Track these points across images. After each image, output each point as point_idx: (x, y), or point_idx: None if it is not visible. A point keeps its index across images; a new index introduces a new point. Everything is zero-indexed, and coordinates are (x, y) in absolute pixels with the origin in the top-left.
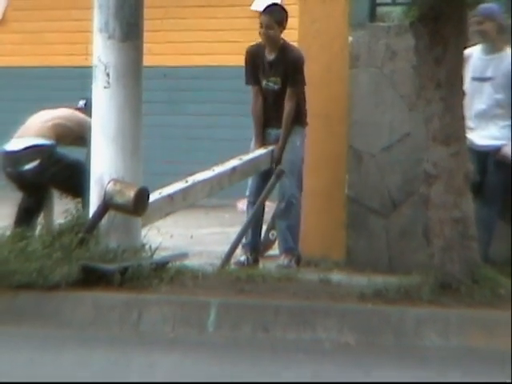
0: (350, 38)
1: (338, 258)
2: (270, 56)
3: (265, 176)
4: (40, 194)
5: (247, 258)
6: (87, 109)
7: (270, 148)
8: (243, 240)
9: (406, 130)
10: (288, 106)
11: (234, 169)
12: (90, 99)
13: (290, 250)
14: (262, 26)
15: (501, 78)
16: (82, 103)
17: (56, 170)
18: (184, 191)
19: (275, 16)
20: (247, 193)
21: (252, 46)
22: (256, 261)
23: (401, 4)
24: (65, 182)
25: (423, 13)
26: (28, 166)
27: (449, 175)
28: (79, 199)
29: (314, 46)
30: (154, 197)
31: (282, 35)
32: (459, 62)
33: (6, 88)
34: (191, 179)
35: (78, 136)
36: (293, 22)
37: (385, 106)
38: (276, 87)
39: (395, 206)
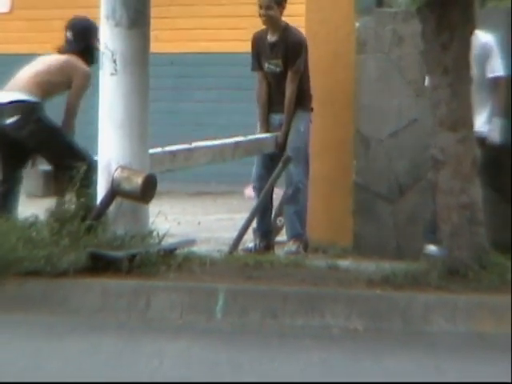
0: (357, 24)
1: (345, 244)
2: (272, 38)
3: (268, 163)
4: (17, 166)
5: (255, 245)
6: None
7: (275, 133)
8: (254, 225)
9: (414, 115)
10: (289, 89)
11: (237, 143)
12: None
13: (297, 235)
14: (261, 7)
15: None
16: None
17: (34, 128)
18: (187, 151)
19: None
20: (252, 180)
21: (257, 31)
22: (268, 247)
23: None
24: (43, 144)
25: None
26: (9, 120)
27: (456, 161)
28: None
29: (320, 32)
30: (155, 150)
31: (287, 20)
32: (466, 47)
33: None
34: (195, 143)
35: (69, 86)
36: (299, 8)
37: (392, 91)
38: (278, 70)
39: (402, 192)
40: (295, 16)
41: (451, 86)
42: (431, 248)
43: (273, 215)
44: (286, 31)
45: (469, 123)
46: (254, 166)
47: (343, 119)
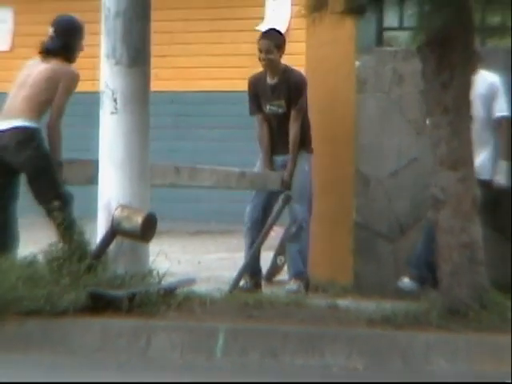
0: (357, 63)
1: (345, 283)
2: (272, 80)
3: (265, 203)
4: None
5: (246, 283)
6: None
7: (280, 172)
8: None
9: (414, 154)
10: (294, 128)
11: (243, 173)
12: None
13: (300, 274)
14: (261, 51)
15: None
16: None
17: (32, 154)
18: (191, 170)
19: (274, 40)
20: (245, 219)
21: (253, 75)
22: (256, 286)
23: (408, 29)
24: (37, 173)
25: (430, 38)
26: (8, 145)
27: (456, 200)
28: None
29: (320, 70)
30: (160, 163)
31: (287, 61)
32: (466, 86)
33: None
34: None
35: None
36: (299, 46)
37: (392, 130)
38: (280, 110)
39: (403, 231)
40: (295, 54)
41: (451, 125)
42: (405, 281)
43: (273, 254)
44: (286, 73)
45: (469, 162)
46: (247, 207)
47: (343, 158)
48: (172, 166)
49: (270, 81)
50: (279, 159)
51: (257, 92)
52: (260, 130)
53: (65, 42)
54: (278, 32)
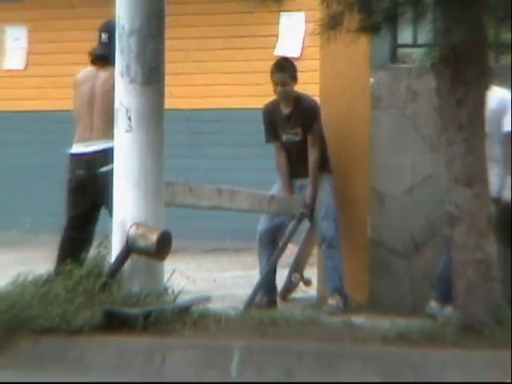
0: (372, 80)
1: (360, 299)
2: (286, 110)
3: (278, 220)
4: (92, 215)
5: (261, 300)
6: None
7: (302, 196)
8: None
9: (429, 171)
10: (314, 153)
11: (272, 197)
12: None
13: (337, 290)
14: (276, 84)
15: None
16: (104, 37)
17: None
18: (232, 192)
19: (288, 71)
20: (258, 236)
21: (267, 104)
22: (271, 303)
23: (422, 45)
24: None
25: (444, 54)
26: (104, 169)
27: (471, 217)
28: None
29: (335, 87)
30: (200, 184)
31: (301, 79)
32: (481, 103)
33: (29, 132)
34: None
35: None
36: (314, 64)
37: (407, 147)
38: (297, 138)
39: (418, 248)
40: (309, 71)
41: (466, 142)
42: (433, 306)
43: (288, 271)
44: (298, 100)
45: (484, 179)
46: (260, 222)
47: (358, 175)
48: (215, 189)
49: (284, 110)
50: (298, 182)
51: (272, 121)
52: (278, 157)
53: None
54: (290, 61)
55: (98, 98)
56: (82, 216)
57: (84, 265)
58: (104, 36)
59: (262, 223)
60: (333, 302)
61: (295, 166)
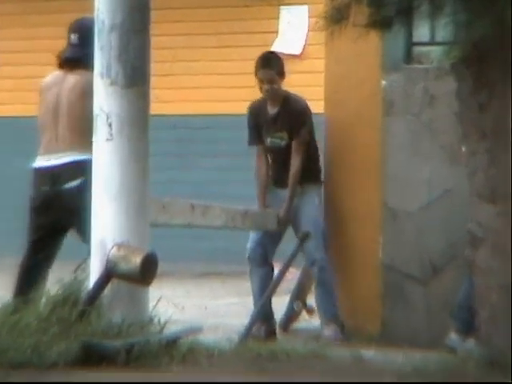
0: (383, 82)
1: (372, 331)
2: (273, 110)
3: (267, 237)
4: (56, 239)
5: (258, 330)
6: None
7: (276, 210)
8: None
9: (448, 185)
10: (296, 162)
11: (246, 212)
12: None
13: (333, 318)
14: (263, 82)
15: None
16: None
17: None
18: (205, 207)
19: (275, 67)
20: (248, 256)
21: (252, 103)
22: (270, 333)
23: (441, 43)
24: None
25: (466, 53)
26: (70, 184)
27: (495, 237)
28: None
29: (341, 90)
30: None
31: (304, 80)
32: (506, 108)
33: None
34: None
35: None
36: (318, 63)
37: (423, 158)
38: (282, 143)
39: (436, 272)
40: (313, 72)
41: (490, 152)
42: (453, 338)
43: (289, 298)
44: (286, 100)
45: (509, 194)
46: (249, 241)
47: (367, 190)
48: (187, 204)
49: (270, 110)
50: (281, 193)
51: (257, 123)
52: (258, 162)
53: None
54: (276, 56)
55: (65, 106)
56: (43, 240)
57: (59, 290)
58: (73, 37)
59: (250, 239)
60: (329, 332)
61: (279, 174)
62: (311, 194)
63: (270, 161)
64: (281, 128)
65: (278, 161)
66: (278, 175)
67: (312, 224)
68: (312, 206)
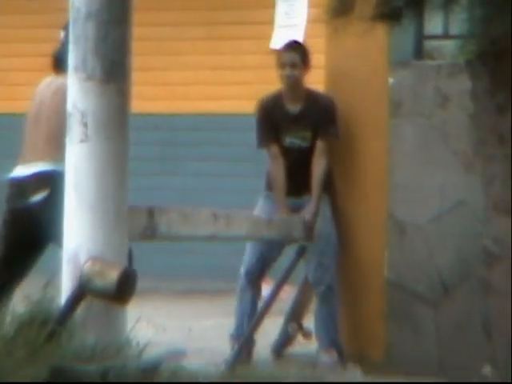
0: (391, 80)
1: (375, 356)
2: (294, 107)
3: (267, 252)
4: (29, 256)
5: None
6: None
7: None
8: (231, 330)
9: (461, 195)
10: (321, 164)
11: (270, 220)
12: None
13: (334, 343)
14: (283, 67)
15: None
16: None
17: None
18: (228, 216)
19: (300, 52)
20: (242, 270)
21: (265, 98)
22: (249, 356)
23: (455, 37)
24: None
25: (483, 48)
26: (35, 198)
27: None
28: None
29: (344, 89)
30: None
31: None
32: None
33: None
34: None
35: None
36: (318, 59)
37: (434, 165)
38: (303, 145)
39: (447, 292)
40: (312, 68)
41: (508, 159)
42: (488, 370)
43: (283, 320)
44: (310, 96)
45: None
46: (245, 254)
47: (372, 200)
48: (209, 213)
49: (290, 107)
50: (290, 202)
51: (273, 121)
52: (274, 165)
53: None
54: (303, 44)
55: (46, 111)
56: (15, 257)
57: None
58: (62, 34)
59: (248, 252)
60: (327, 358)
61: (292, 179)
62: (324, 206)
63: None
64: (305, 127)
65: (294, 165)
66: (290, 181)
67: (325, 239)
68: (325, 220)
